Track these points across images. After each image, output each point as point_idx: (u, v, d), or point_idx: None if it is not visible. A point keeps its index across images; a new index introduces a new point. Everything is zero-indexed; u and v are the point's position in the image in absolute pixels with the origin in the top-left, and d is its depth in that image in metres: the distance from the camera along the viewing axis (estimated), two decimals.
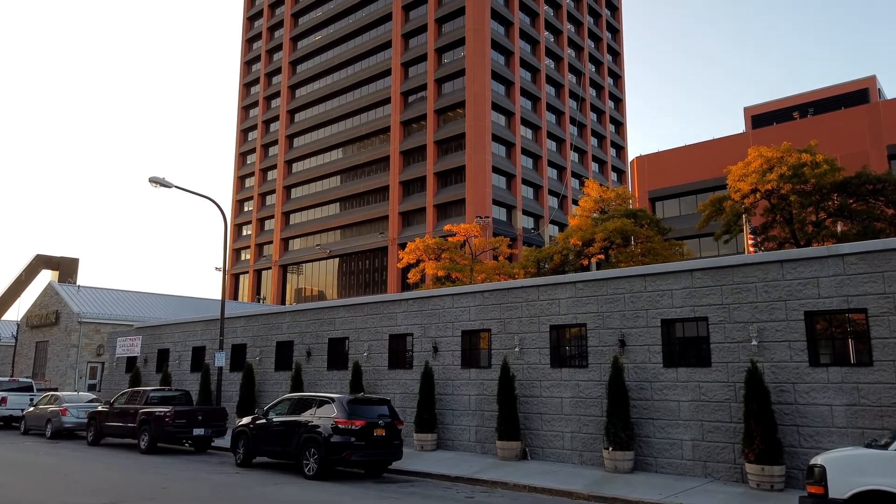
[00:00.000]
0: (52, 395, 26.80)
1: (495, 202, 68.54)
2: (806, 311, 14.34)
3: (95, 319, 43.41)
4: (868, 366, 13.44)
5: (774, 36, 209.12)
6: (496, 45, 71.31)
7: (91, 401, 26.65)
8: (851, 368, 13.64)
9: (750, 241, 31.90)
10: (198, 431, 20.78)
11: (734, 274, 15.46)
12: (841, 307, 13.96)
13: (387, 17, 77.78)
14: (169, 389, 23.87)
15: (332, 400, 16.27)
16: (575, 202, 73.94)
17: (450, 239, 45.46)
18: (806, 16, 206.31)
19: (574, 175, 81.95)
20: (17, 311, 59.76)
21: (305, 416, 16.47)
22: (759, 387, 13.85)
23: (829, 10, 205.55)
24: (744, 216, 31.70)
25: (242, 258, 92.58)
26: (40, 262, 69.84)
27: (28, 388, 31.04)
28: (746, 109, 63.63)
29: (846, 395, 13.55)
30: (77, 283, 52.01)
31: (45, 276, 69.13)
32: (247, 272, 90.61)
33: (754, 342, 14.69)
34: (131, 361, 34.57)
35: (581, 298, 17.92)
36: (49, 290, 47.81)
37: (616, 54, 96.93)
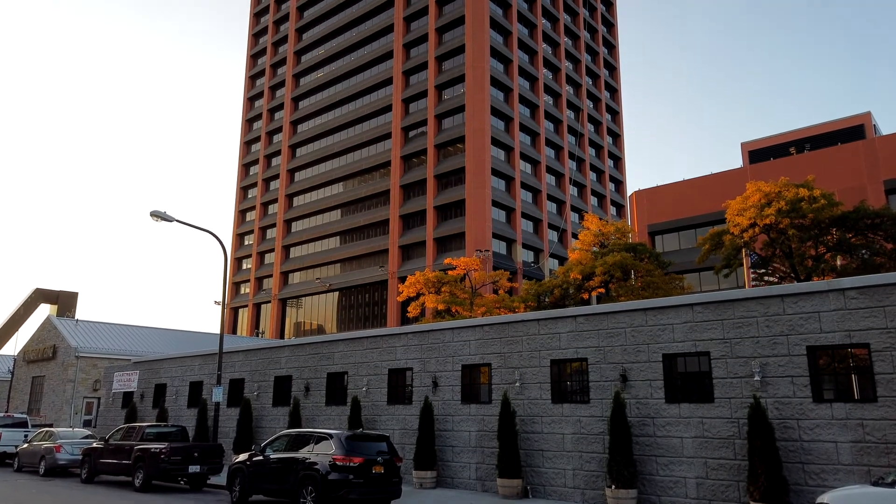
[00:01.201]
0: (47, 432, 26.45)
1: (495, 236, 68.72)
2: (808, 345, 14.25)
3: (93, 354, 43.10)
4: (872, 402, 13.30)
5: (770, 72, 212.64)
6: (495, 82, 72.42)
7: (86, 437, 26.29)
8: (856, 404, 13.49)
9: (750, 276, 31.87)
10: (193, 468, 20.44)
11: (735, 308, 15.41)
12: (843, 342, 13.88)
13: (388, 55, 79.16)
14: (165, 425, 23.56)
15: (331, 436, 16.05)
16: (574, 236, 74.16)
17: (450, 272, 45.42)
18: (801, 53, 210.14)
19: (573, 209, 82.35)
20: (15, 345, 59.38)
21: (303, 453, 16.21)
22: (762, 423, 13.68)
23: (824, 48, 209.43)
24: (743, 250, 31.75)
25: (242, 292, 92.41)
26: (39, 296, 69.69)
27: (23, 424, 30.65)
28: (744, 145, 64.30)
29: (851, 432, 13.37)
30: (75, 317, 51.81)
31: (44, 311, 68.95)
32: (246, 306, 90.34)
33: (757, 377, 14.56)
34: (128, 397, 34.21)
35: (582, 332, 17.83)
36: (47, 325, 47.59)
37: (614, 91, 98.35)
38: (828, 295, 14.28)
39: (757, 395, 14.24)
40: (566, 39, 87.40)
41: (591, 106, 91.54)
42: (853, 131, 56.33)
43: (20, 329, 68.17)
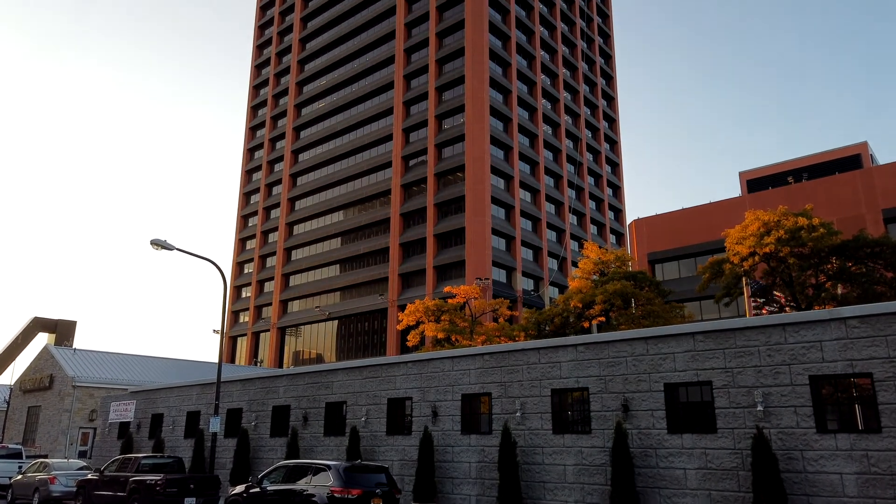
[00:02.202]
0: (42, 463, 26.10)
1: (495, 264, 68.73)
2: (811, 375, 14.15)
3: (90, 383, 42.76)
4: (877, 432, 13.15)
5: (767, 103, 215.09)
6: (495, 112, 73.19)
7: (81, 468, 25.93)
8: (860, 435, 13.34)
9: (751, 304, 31.81)
10: (189, 501, 20.11)
11: (736, 337, 15.34)
12: (846, 371, 13.78)
13: (389, 86, 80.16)
14: (161, 456, 23.26)
15: (328, 467, 15.84)
16: (574, 264, 74.15)
17: (449, 301, 45.30)
18: (798, 84, 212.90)
19: (573, 237, 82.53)
20: (12, 374, 58.91)
21: (301, 485, 15.98)
22: (766, 454, 13.51)
23: (821, 79, 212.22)
24: (744, 279, 31.74)
25: (241, 320, 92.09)
26: (37, 325, 69.36)
27: (17, 455, 30.27)
28: (742, 174, 64.74)
29: (856, 464, 13.20)
30: (73, 346, 51.55)
31: (42, 340, 68.52)
32: (245, 335, 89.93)
33: (760, 407, 14.43)
34: (124, 427, 33.84)
35: (583, 362, 17.72)
36: (44, 354, 47.31)
37: (612, 120, 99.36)
38: (829, 324, 14.23)
39: (760, 426, 14.10)
40: (564, 71, 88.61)
41: (590, 135, 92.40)
42: (850, 161, 56.78)
43: (18, 358, 67.69)
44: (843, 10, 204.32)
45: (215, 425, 23.70)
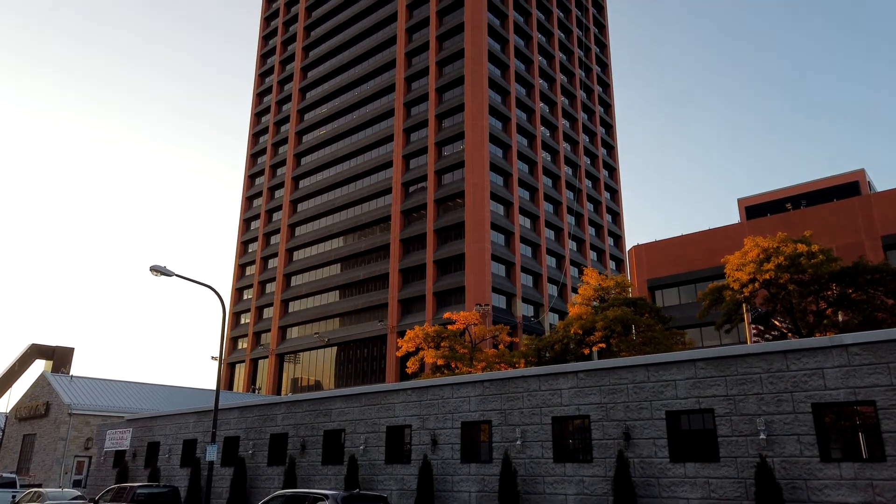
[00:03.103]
0: (36, 492, 25.74)
1: (495, 290, 68.62)
2: (813, 403, 14.03)
3: (86, 411, 42.35)
4: (881, 461, 13.00)
5: (765, 129, 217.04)
6: (494, 140, 73.80)
7: (76, 497, 25.58)
8: (864, 464, 13.19)
9: (751, 331, 31.68)
10: None
11: (738, 364, 15.25)
12: (848, 399, 13.67)
13: (389, 113, 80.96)
14: (156, 486, 22.95)
15: (326, 497, 15.62)
16: (574, 290, 74.04)
17: (449, 327, 45.13)
18: (795, 112, 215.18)
19: (573, 263, 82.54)
20: (8, 402, 58.41)
21: None
22: (770, 483, 13.34)
23: (818, 107, 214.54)
24: (744, 305, 31.66)
25: (239, 347, 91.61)
26: (34, 352, 68.93)
27: (10, 485, 29.88)
28: (740, 201, 64.99)
29: (861, 493, 13.02)
30: (70, 373, 51.18)
31: (39, 367, 68.05)
32: (243, 361, 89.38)
33: (763, 436, 14.28)
34: (120, 455, 33.42)
35: (583, 389, 17.59)
36: (41, 381, 46.94)
37: (610, 148, 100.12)
38: (831, 351, 14.16)
39: (763, 454, 13.94)
40: (563, 99, 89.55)
41: (589, 162, 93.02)
42: (848, 188, 57.06)
43: (14, 385, 67.14)
44: (841, 35, 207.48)
45: (212, 454, 23.43)
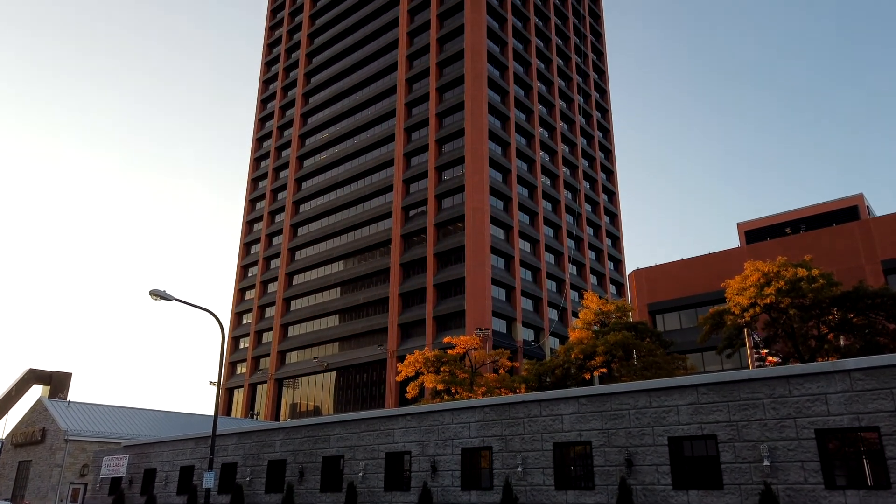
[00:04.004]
0: None
1: (495, 314, 68.42)
2: (817, 429, 13.90)
3: (82, 437, 41.92)
4: (886, 488, 12.84)
5: (764, 154, 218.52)
6: (494, 164, 74.23)
7: None
8: (869, 491, 13.02)
9: (753, 356, 31.52)
10: None
11: (740, 390, 15.14)
12: (852, 425, 13.55)
13: (389, 138, 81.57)
14: None
15: None
16: (575, 314, 73.82)
17: (449, 352, 44.89)
18: (793, 136, 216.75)
19: (573, 287, 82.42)
20: (4, 428, 57.85)
21: None
22: None
23: (816, 132, 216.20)
24: (745, 330, 31.54)
25: (238, 372, 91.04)
26: (32, 377, 68.39)
27: None
28: (740, 225, 65.07)
29: None
30: (67, 399, 50.78)
31: (36, 392, 67.47)
32: (241, 386, 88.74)
33: (766, 462, 14.12)
34: (115, 482, 33.01)
35: (585, 414, 17.43)
36: (38, 407, 46.55)
37: (610, 172, 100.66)
38: (833, 376, 14.07)
39: (767, 481, 13.77)
40: (562, 124, 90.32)
41: (588, 187, 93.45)
42: (847, 212, 57.17)
43: (11, 410, 66.53)
44: (840, 59, 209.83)
45: (209, 481, 23.13)
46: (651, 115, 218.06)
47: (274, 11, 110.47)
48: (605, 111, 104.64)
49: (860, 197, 60.12)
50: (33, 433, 44.27)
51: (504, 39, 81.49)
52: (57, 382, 67.81)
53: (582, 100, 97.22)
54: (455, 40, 79.23)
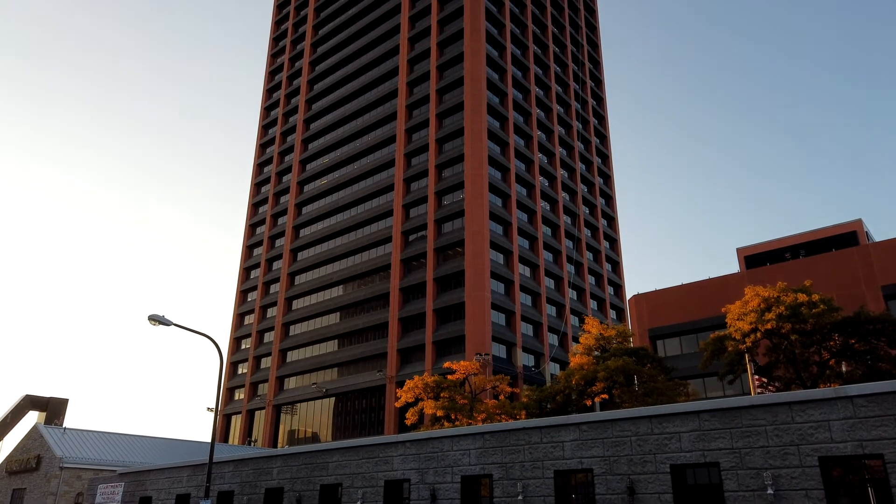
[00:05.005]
0: None
1: (495, 339, 68.11)
2: (820, 456, 13.75)
3: (78, 464, 41.40)
4: None
5: (762, 180, 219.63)
6: (494, 189, 74.59)
7: None
8: None
9: (755, 382, 31.32)
10: None
11: (742, 416, 15.00)
12: (856, 452, 13.40)
13: (390, 163, 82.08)
14: None
15: None
16: (575, 339, 73.52)
17: (449, 377, 44.56)
18: (791, 162, 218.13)
19: (573, 312, 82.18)
20: None
21: None
22: None
23: (814, 158, 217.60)
24: (746, 356, 31.38)
25: (236, 398, 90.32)
26: (28, 404, 67.79)
27: None
28: (739, 250, 65.09)
29: None
30: (63, 426, 50.30)
31: (32, 418, 66.82)
32: (239, 412, 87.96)
33: (770, 490, 13.94)
34: None
35: (586, 441, 17.25)
36: (33, 433, 46.07)
37: (609, 197, 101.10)
38: (836, 403, 13.96)
39: None
40: (561, 149, 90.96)
41: (588, 212, 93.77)
42: (846, 238, 57.23)
43: (7, 437, 65.82)
44: (839, 82, 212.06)
45: None
46: (649, 141, 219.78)
47: (276, 39, 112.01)
48: (603, 137, 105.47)
49: (859, 222, 60.29)
50: (28, 460, 43.74)
51: (503, 67, 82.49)
52: (53, 409, 67.22)
53: (581, 126, 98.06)
54: (455, 68, 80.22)
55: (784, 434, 14.30)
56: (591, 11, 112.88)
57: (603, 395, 37.05)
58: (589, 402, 38.54)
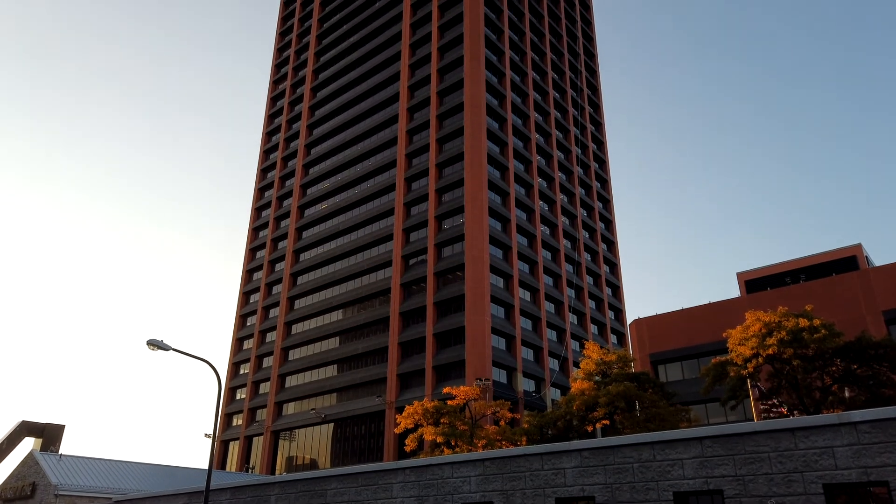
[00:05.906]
0: None
1: (495, 364, 67.71)
2: (825, 483, 13.59)
3: (73, 492, 40.85)
4: None
5: (762, 204, 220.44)
6: (493, 213, 74.85)
7: None
8: None
9: (758, 407, 31.08)
10: None
11: (745, 443, 14.86)
12: (860, 479, 13.25)
13: (390, 188, 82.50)
14: None
15: None
16: (576, 364, 73.06)
17: (449, 402, 44.21)
18: (790, 185, 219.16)
19: (573, 337, 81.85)
20: None
21: None
22: None
23: (813, 182, 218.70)
24: (748, 381, 31.20)
25: (234, 423, 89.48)
26: (24, 430, 67.06)
27: None
28: (740, 275, 65.07)
29: None
30: (59, 452, 49.77)
31: (28, 445, 66.10)
32: (237, 439, 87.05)
33: None
34: None
35: (588, 468, 17.06)
36: (29, 460, 45.54)
37: (608, 222, 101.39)
38: (840, 429, 13.84)
39: None
40: (560, 175, 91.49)
41: (587, 236, 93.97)
42: (846, 262, 57.27)
43: (2, 464, 65.01)
44: (841, 103, 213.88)
45: None
46: (649, 165, 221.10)
47: (278, 66, 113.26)
48: (602, 161, 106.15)
49: (859, 247, 60.38)
50: (23, 488, 43.16)
51: (503, 93, 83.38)
52: (50, 435, 66.48)
53: (580, 151, 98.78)
54: (454, 93, 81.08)
55: (787, 461, 14.16)
56: (589, 39, 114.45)
57: (604, 421, 36.74)
58: (590, 428, 38.20)
